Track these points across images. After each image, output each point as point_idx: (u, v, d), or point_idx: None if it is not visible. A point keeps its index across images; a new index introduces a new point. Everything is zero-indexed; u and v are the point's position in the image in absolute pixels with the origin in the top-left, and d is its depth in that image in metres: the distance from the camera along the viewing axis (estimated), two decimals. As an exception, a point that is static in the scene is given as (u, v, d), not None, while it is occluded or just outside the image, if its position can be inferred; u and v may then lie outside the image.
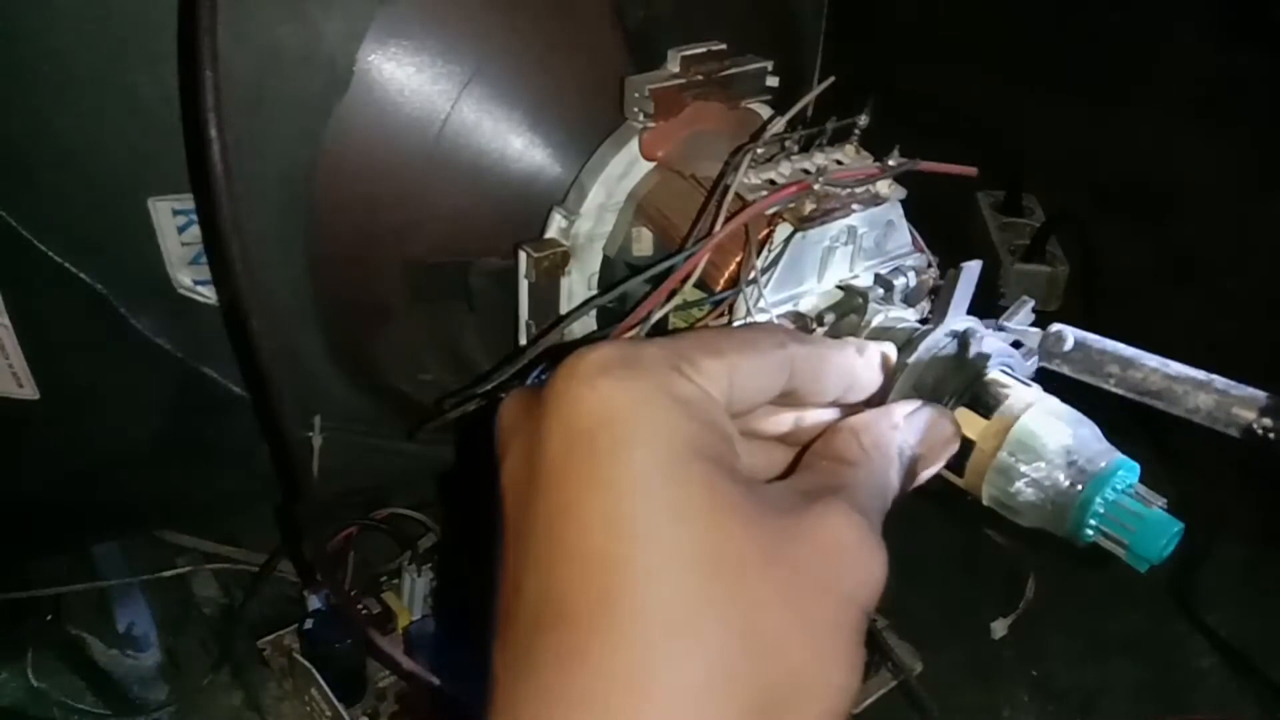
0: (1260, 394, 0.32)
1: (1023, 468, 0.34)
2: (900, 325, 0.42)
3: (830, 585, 0.26)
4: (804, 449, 0.33)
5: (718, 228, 0.43)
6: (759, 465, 0.33)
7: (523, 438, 0.28)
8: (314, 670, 0.68)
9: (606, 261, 0.53)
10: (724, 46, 0.53)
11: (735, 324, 0.43)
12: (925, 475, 0.34)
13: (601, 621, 0.24)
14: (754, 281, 0.42)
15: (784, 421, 0.33)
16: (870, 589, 0.27)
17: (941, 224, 0.52)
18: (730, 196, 0.44)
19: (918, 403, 0.34)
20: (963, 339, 0.36)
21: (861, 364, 0.34)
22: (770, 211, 0.43)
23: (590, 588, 0.25)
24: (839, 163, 0.46)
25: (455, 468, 0.68)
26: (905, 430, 0.32)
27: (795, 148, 0.46)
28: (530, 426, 0.28)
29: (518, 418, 0.29)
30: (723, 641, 0.24)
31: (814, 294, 0.45)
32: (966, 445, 0.35)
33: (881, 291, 0.43)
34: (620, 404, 0.26)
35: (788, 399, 0.31)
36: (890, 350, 0.36)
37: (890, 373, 0.36)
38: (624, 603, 0.24)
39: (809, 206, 0.44)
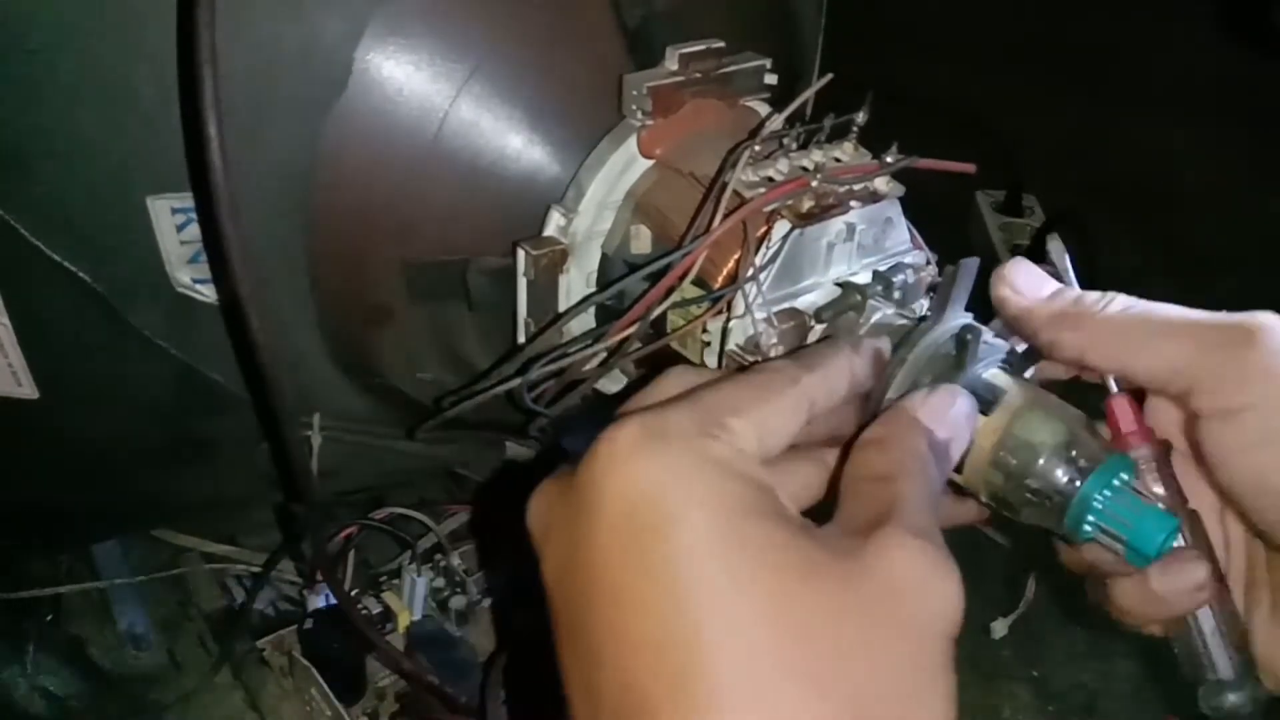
0: None
1: (1021, 465, 0.34)
2: (898, 323, 0.42)
3: (906, 623, 0.26)
4: (837, 468, 0.33)
5: (715, 225, 0.43)
6: (795, 491, 0.33)
7: (561, 531, 0.28)
8: (314, 670, 0.68)
9: (605, 259, 0.53)
10: (722, 44, 0.53)
11: (733, 323, 0.43)
12: (957, 455, 0.34)
13: (682, 704, 0.24)
14: (752, 279, 0.42)
15: None
16: (949, 615, 0.26)
17: (941, 224, 0.52)
18: (728, 193, 0.43)
19: (923, 391, 0.34)
20: (961, 336, 0.36)
21: (859, 363, 0.35)
22: (768, 209, 0.43)
23: (664, 673, 0.24)
24: (837, 160, 0.46)
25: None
26: (926, 420, 0.32)
27: (793, 145, 0.46)
28: (567, 518, 0.27)
29: (551, 510, 0.28)
30: (807, 703, 0.24)
31: (812, 291, 0.44)
32: (965, 443, 0.35)
33: (880, 288, 0.43)
34: (659, 479, 0.26)
35: None
36: (885, 346, 0.36)
37: (883, 369, 0.36)
38: (701, 682, 0.24)
39: (807, 203, 0.44)
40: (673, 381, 0.32)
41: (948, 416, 0.33)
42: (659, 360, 0.45)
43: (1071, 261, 0.37)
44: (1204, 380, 0.31)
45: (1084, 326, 0.34)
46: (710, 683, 0.24)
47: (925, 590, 0.26)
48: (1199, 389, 0.32)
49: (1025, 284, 0.36)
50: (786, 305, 0.43)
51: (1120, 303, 0.34)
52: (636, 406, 0.30)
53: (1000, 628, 0.86)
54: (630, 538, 0.26)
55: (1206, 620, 0.35)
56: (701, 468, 0.26)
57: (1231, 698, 0.35)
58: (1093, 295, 0.35)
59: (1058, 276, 0.37)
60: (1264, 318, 0.32)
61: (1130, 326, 0.34)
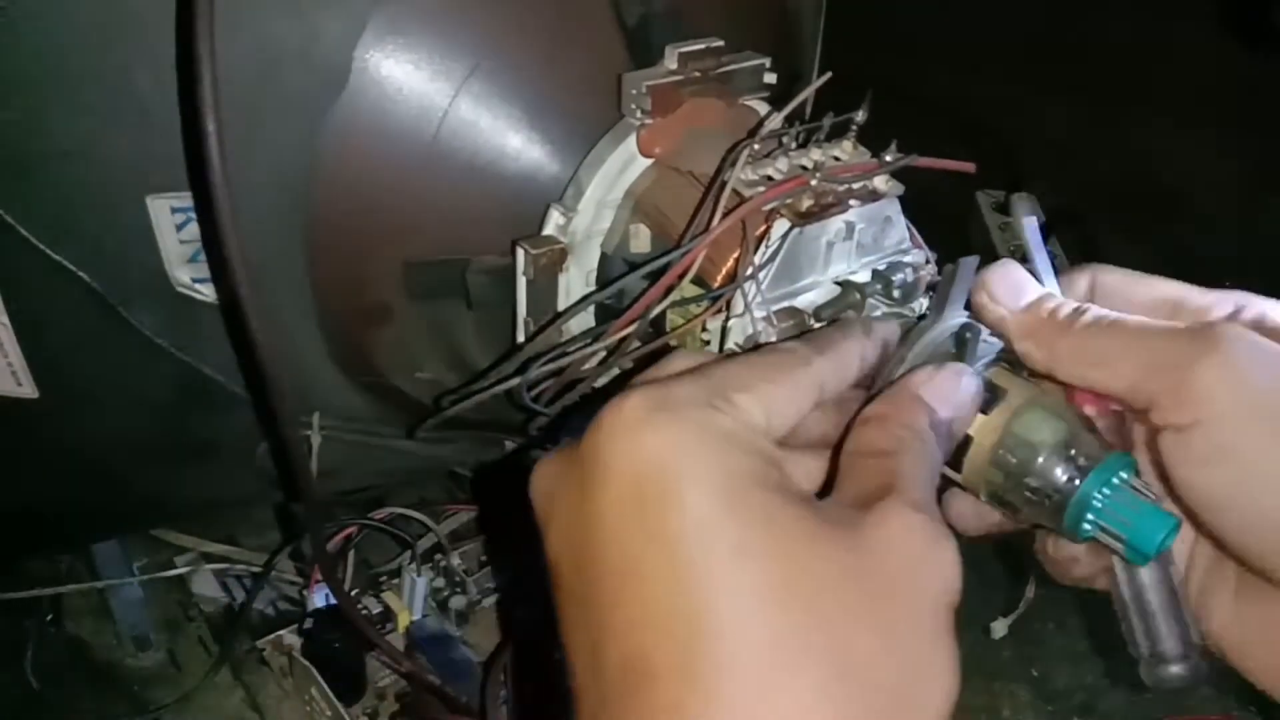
0: None
1: (1020, 463, 0.34)
2: (897, 322, 0.42)
3: (908, 593, 0.26)
4: (837, 449, 0.32)
5: (715, 223, 0.43)
6: (798, 477, 0.33)
7: (565, 502, 0.28)
8: (314, 670, 0.68)
9: (604, 258, 0.53)
10: (721, 43, 0.53)
11: (733, 321, 0.43)
12: (960, 434, 0.34)
13: (690, 675, 0.24)
14: (751, 277, 0.42)
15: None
16: (947, 586, 0.27)
17: (941, 224, 0.52)
18: (727, 192, 0.43)
19: (929, 368, 0.34)
20: (960, 335, 0.36)
21: (870, 348, 0.35)
22: (768, 207, 0.43)
23: (671, 644, 0.24)
24: (836, 159, 0.46)
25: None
26: (930, 397, 0.32)
27: (793, 144, 0.46)
28: (571, 489, 0.27)
29: (555, 482, 0.28)
30: (814, 671, 0.24)
31: (812, 290, 0.44)
32: (965, 441, 0.35)
33: (879, 287, 0.43)
34: (664, 450, 0.26)
35: None
36: (893, 334, 0.37)
37: (885, 361, 0.36)
38: (709, 654, 0.24)
39: (806, 202, 0.44)
40: (679, 361, 0.32)
41: (951, 395, 0.33)
42: (658, 359, 0.45)
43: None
44: (1158, 397, 0.31)
45: (1052, 343, 0.34)
46: (718, 655, 0.24)
47: (925, 561, 0.27)
48: (1154, 405, 0.32)
49: (1002, 291, 0.36)
50: (786, 304, 0.43)
51: (1091, 315, 0.34)
52: (643, 381, 0.30)
53: (1000, 628, 0.86)
54: (635, 508, 0.26)
55: (1147, 592, 0.34)
56: (707, 439, 0.26)
57: (1173, 670, 0.34)
58: (1067, 308, 0.35)
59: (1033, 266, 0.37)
60: (1228, 328, 0.31)
61: (1094, 344, 0.33)
